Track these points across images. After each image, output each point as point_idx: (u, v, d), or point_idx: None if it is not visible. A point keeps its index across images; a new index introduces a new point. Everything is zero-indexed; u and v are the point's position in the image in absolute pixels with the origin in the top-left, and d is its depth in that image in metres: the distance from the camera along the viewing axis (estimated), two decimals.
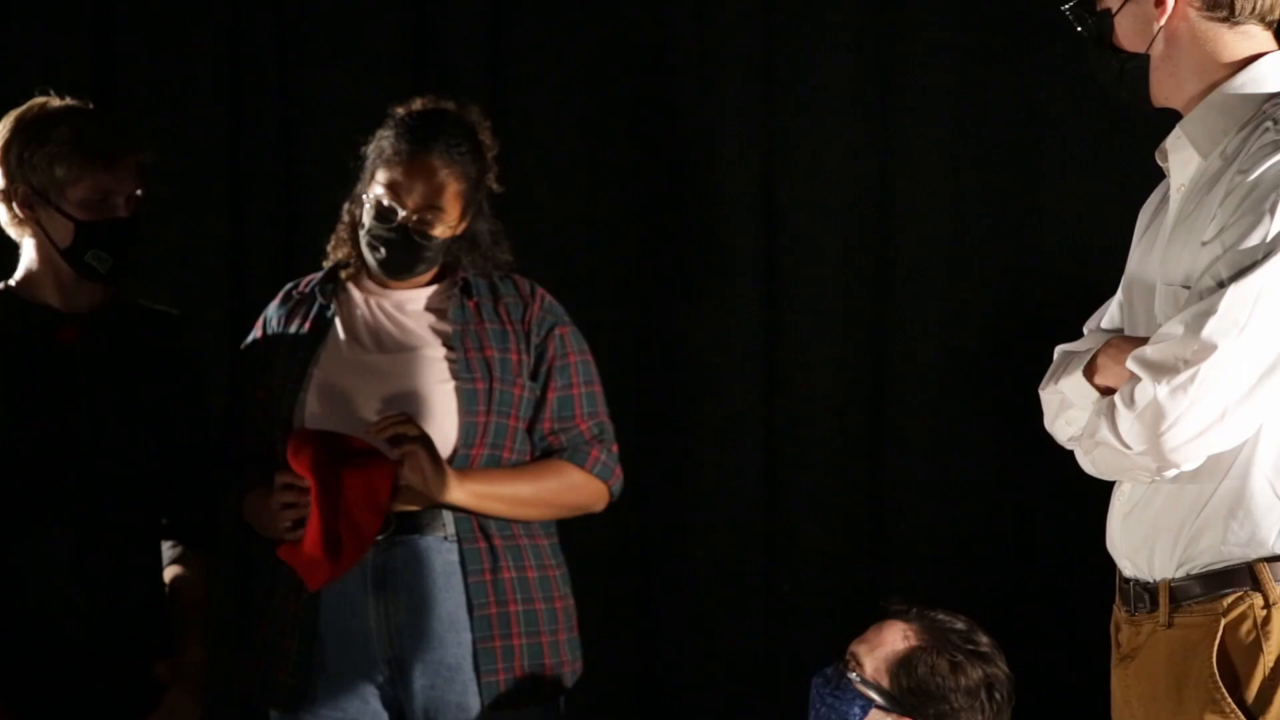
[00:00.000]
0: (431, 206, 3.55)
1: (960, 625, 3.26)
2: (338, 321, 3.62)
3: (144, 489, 3.50)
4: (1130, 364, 2.59)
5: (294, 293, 3.71)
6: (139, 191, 3.49)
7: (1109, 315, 2.88)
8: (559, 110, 4.62)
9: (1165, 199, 2.83)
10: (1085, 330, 2.89)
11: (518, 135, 4.54)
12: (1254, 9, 2.71)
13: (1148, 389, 2.55)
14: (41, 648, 3.42)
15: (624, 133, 4.63)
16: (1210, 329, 2.53)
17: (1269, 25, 2.74)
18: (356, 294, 3.65)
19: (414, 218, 3.55)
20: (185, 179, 4.56)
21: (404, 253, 3.57)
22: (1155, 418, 2.55)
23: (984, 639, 3.26)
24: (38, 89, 3.54)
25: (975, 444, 4.47)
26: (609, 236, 4.63)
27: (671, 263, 4.62)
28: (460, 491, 3.47)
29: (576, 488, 3.62)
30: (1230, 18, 2.71)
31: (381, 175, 3.57)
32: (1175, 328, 2.56)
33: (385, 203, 3.55)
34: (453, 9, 4.65)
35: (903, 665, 3.20)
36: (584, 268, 4.61)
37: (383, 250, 3.57)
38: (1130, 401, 2.58)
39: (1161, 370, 2.54)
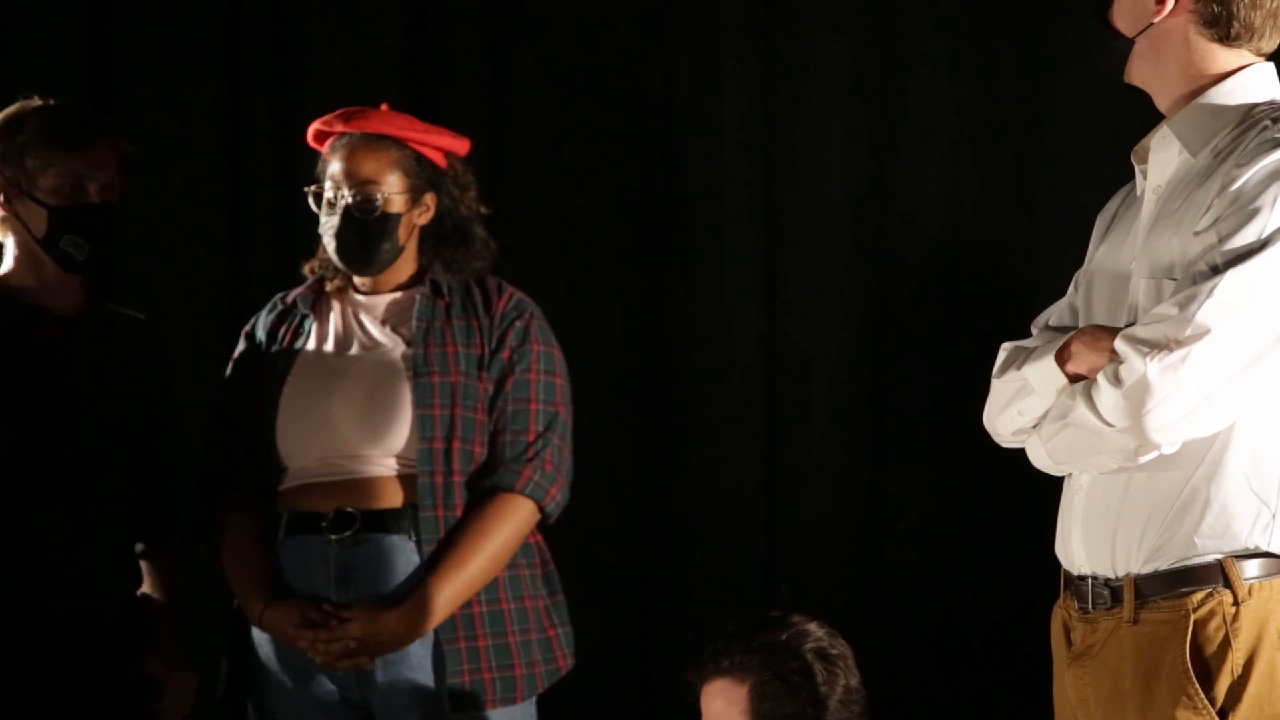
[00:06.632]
0: (366, 181, 3.59)
1: (766, 634, 3.28)
2: (313, 331, 3.66)
3: (118, 489, 3.54)
4: (1119, 343, 2.60)
5: (279, 303, 3.75)
6: (118, 182, 3.53)
7: (1058, 314, 2.89)
8: (558, 110, 4.63)
9: (1129, 201, 2.86)
10: (1033, 329, 2.90)
11: (517, 135, 4.56)
12: (1250, 38, 2.72)
13: (1136, 366, 2.56)
14: (28, 647, 3.44)
15: (623, 134, 4.64)
16: (1205, 312, 2.54)
17: (1261, 54, 2.76)
18: (336, 304, 3.69)
19: (351, 196, 3.58)
20: (185, 179, 4.59)
21: (353, 235, 3.60)
22: (1142, 395, 2.56)
23: (784, 628, 3.27)
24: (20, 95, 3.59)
25: (975, 445, 4.45)
26: (608, 238, 4.64)
27: (670, 264, 4.62)
28: (428, 623, 3.49)
29: (517, 525, 3.57)
30: (1226, 39, 2.72)
31: (322, 172, 3.64)
32: (1168, 309, 2.57)
33: (325, 195, 3.61)
34: (452, 11, 4.66)
35: (756, 711, 3.22)
36: (582, 269, 4.62)
37: (335, 242, 3.61)
38: (1116, 379, 2.58)
39: (1152, 349, 2.56)
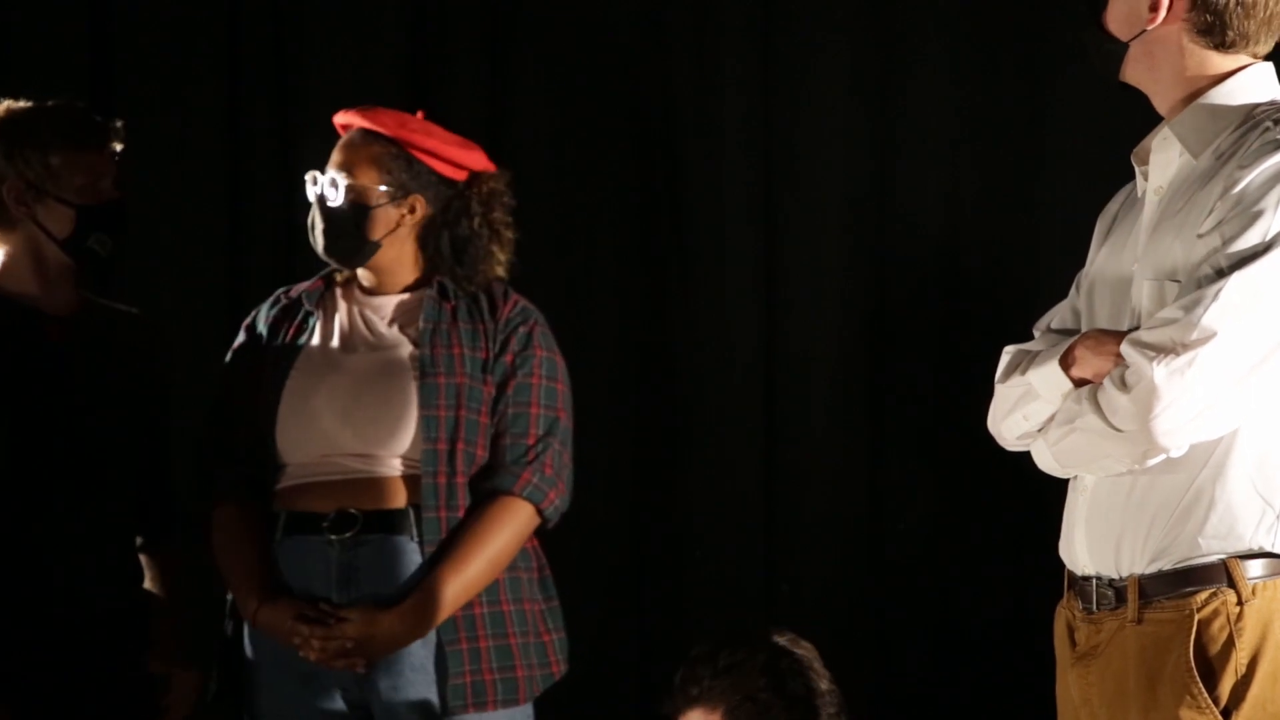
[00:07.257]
0: (340, 170, 3.61)
1: (730, 655, 3.28)
2: (318, 327, 3.65)
3: (118, 488, 3.54)
4: (1125, 347, 2.60)
5: (283, 298, 3.74)
6: (119, 177, 3.55)
7: (1060, 317, 2.88)
8: (558, 110, 4.63)
9: (1129, 202, 2.85)
10: (1035, 331, 2.89)
11: (517, 135, 4.56)
12: (1246, 44, 2.72)
13: (1143, 371, 2.56)
14: (30, 646, 3.44)
15: (623, 134, 4.64)
16: (1211, 315, 2.54)
17: (1257, 57, 2.75)
18: (342, 302, 3.69)
19: (324, 185, 3.61)
20: (185, 179, 4.59)
21: (318, 221, 3.62)
22: (1150, 399, 2.56)
23: (747, 645, 3.29)
24: None
25: (975, 445, 4.46)
26: (608, 238, 4.64)
27: (670, 264, 4.62)
28: (427, 625, 3.49)
29: (516, 528, 3.56)
30: (1221, 47, 2.72)
31: None
32: (1174, 313, 2.57)
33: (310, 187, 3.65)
34: (452, 11, 4.66)
35: None
36: (582, 269, 4.62)
37: (310, 227, 3.64)
38: (1122, 384, 2.58)
39: (1159, 353, 2.56)
